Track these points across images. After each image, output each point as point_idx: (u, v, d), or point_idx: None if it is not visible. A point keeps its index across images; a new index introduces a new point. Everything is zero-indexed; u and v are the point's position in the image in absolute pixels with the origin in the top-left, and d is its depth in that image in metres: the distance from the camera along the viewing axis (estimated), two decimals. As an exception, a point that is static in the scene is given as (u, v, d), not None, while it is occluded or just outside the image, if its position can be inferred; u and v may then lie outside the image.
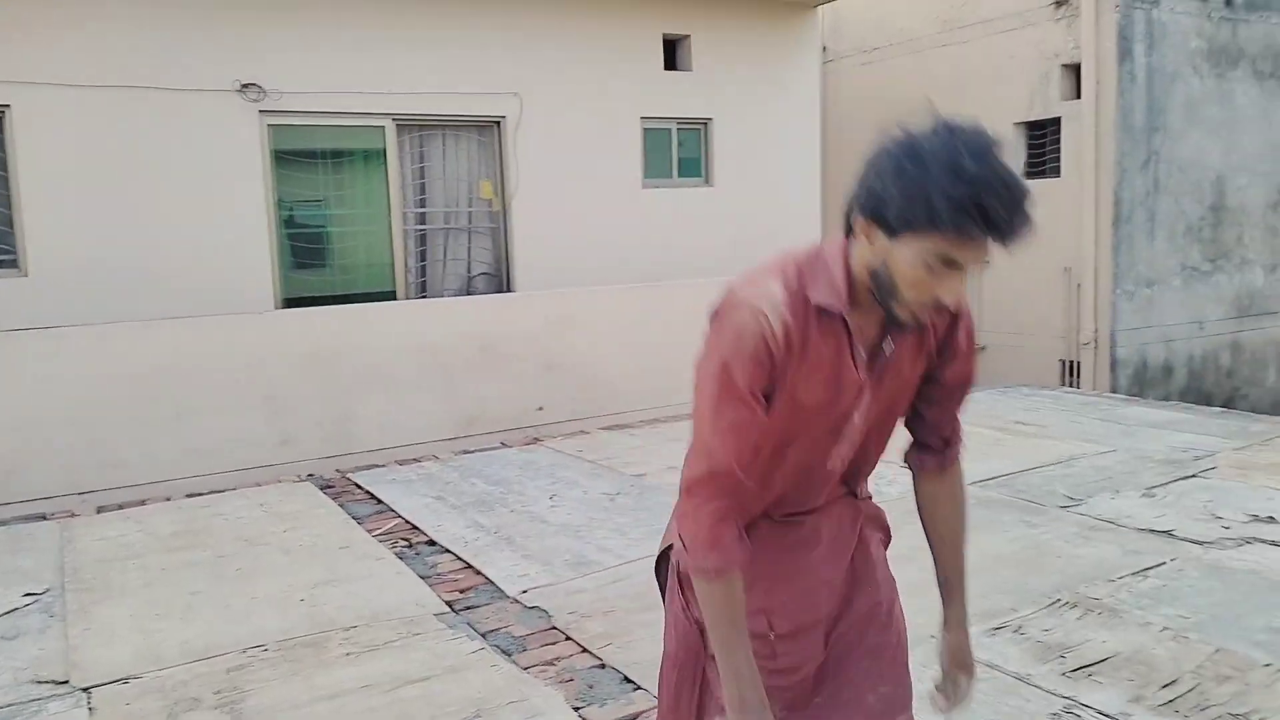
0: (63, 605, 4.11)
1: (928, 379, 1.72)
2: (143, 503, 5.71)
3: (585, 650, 3.58)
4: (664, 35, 8.22)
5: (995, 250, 1.41)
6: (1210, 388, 9.70)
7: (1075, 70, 9.27)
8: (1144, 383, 9.30)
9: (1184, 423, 6.77)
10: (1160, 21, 9.10)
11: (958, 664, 1.87)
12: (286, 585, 4.27)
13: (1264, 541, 4.27)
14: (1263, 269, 9.97)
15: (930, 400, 1.74)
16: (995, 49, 9.94)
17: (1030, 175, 9.86)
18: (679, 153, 8.49)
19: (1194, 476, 5.34)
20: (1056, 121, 9.50)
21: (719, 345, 1.54)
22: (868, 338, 1.59)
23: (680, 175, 8.50)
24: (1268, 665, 3.17)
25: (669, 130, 8.38)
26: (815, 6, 8.79)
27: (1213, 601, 3.71)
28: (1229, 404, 9.47)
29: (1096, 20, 8.99)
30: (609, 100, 7.96)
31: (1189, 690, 3.06)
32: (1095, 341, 9.22)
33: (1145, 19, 9.02)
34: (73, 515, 5.52)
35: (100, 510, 5.60)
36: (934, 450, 1.79)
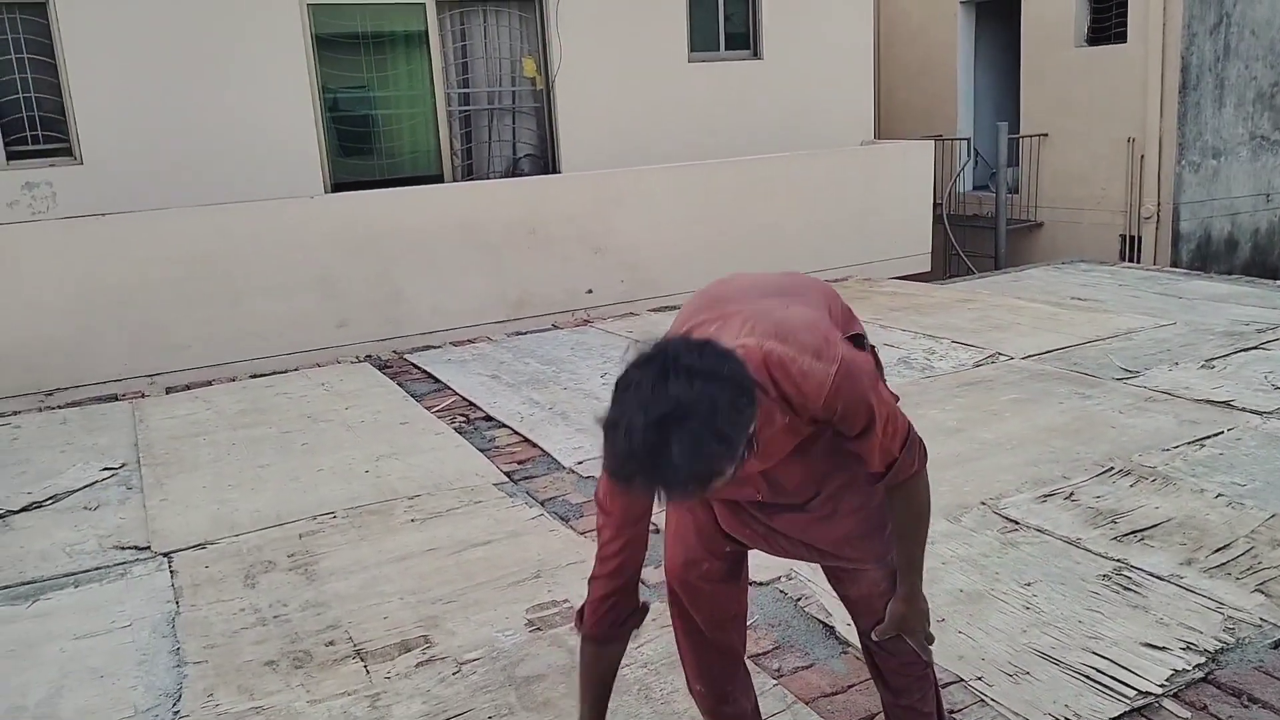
0: (139, 479, 4.30)
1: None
2: (209, 383, 5.89)
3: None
4: (709, -97, 7.89)
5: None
6: (1276, 262, 9.44)
7: (1146, -73, 8.75)
8: (1207, 257, 9.07)
9: (1247, 296, 6.61)
10: None
11: (895, 625, 1.91)
12: (351, 458, 4.41)
13: (1325, 411, 4.21)
14: (1337, 137, 9.54)
15: (847, 441, 1.72)
16: (1061, -94, 9.40)
17: (1095, 41, 9.46)
18: (726, 25, 8.24)
19: (1255, 349, 5.25)
20: (1124, -17, 9.03)
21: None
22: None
23: (727, 49, 8.27)
24: (1323, 528, 3.17)
25: (716, 0, 8.12)
26: None
27: (1269, 469, 3.69)
28: (1295, 279, 9.21)
29: None
30: (654, -29, 7.71)
31: (1242, 554, 3.07)
32: (1158, 215, 8.97)
33: None
34: (143, 395, 5.71)
35: (169, 390, 5.79)
36: (874, 475, 1.78)
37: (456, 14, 7.33)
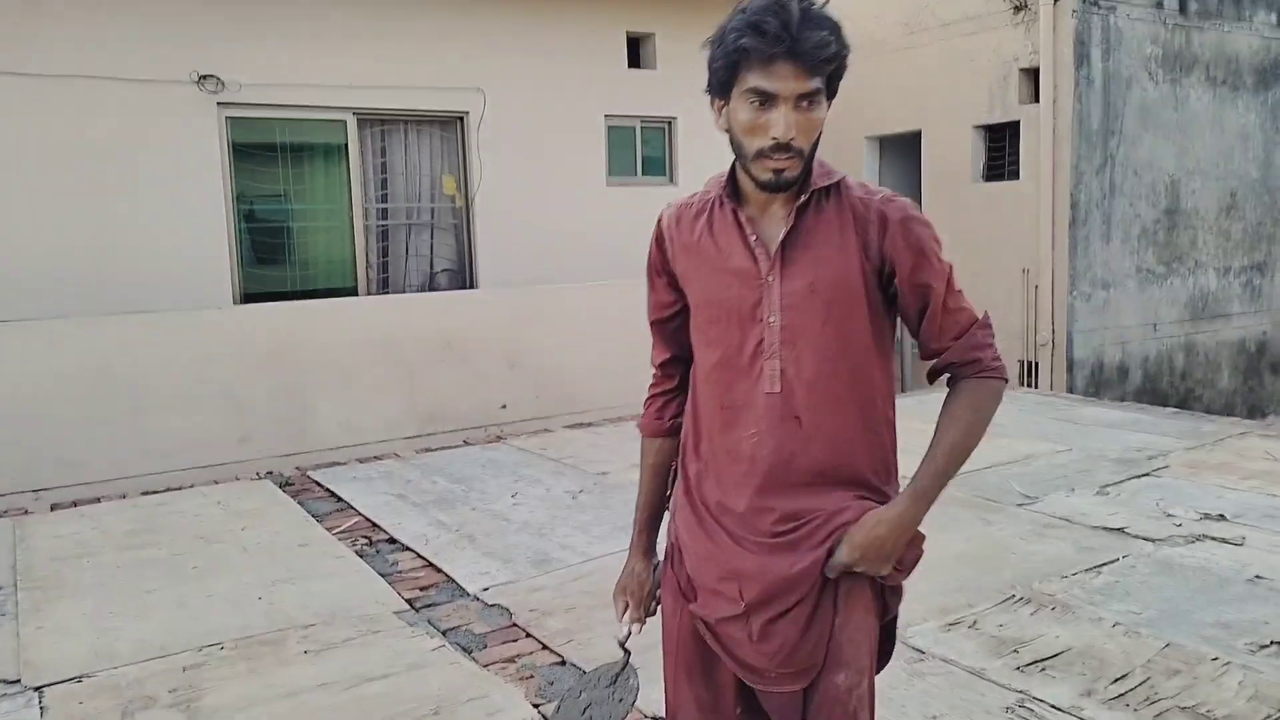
0: (15, 603, 4.03)
1: (894, 290, 1.67)
2: (98, 500, 5.63)
3: (545, 647, 3.58)
4: (628, 33, 8.23)
5: (798, 72, 1.51)
6: (1165, 388, 9.89)
7: (1034, 74, 9.40)
8: (1100, 383, 9.46)
9: (1138, 423, 6.89)
10: (1116, 27, 9.26)
11: (861, 548, 1.65)
12: (244, 583, 4.22)
13: (1213, 539, 4.36)
14: (1215, 272, 10.18)
15: (904, 312, 1.70)
16: (955, 52, 10.06)
17: (990, 178, 10.00)
18: (643, 151, 8.50)
19: (1147, 475, 5.45)
20: (1016, 125, 9.63)
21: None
22: (771, 232, 1.65)
23: (644, 174, 8.51)
24: (1215, 659, 3.24)
25: (633, 128, 8.39)
26: (780, 7, 8.85)
27: (1163, 597, 3.78)
28: (1183, 404, 9.66)
29: (1054, 25, 9.13)
30: (573, 97, 7.95)
31: (1139, 684, 3.12)
32: (1052, 342, 9.37)
33: (1102, 24, 9.17)
34: (26, 513, 5.42)
35: (54, 508, 5.51)
36: (933, 368, 1.74)
37: (378, 130, 7.42)
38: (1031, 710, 2.98)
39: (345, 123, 7.22)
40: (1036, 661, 3.29)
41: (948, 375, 1.75)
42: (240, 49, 6.61)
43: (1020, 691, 3.10)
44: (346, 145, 7.25)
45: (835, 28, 1.54)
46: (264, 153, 7.05)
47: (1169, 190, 9.76)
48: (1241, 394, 10.48)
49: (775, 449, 1.64)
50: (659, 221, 1.79)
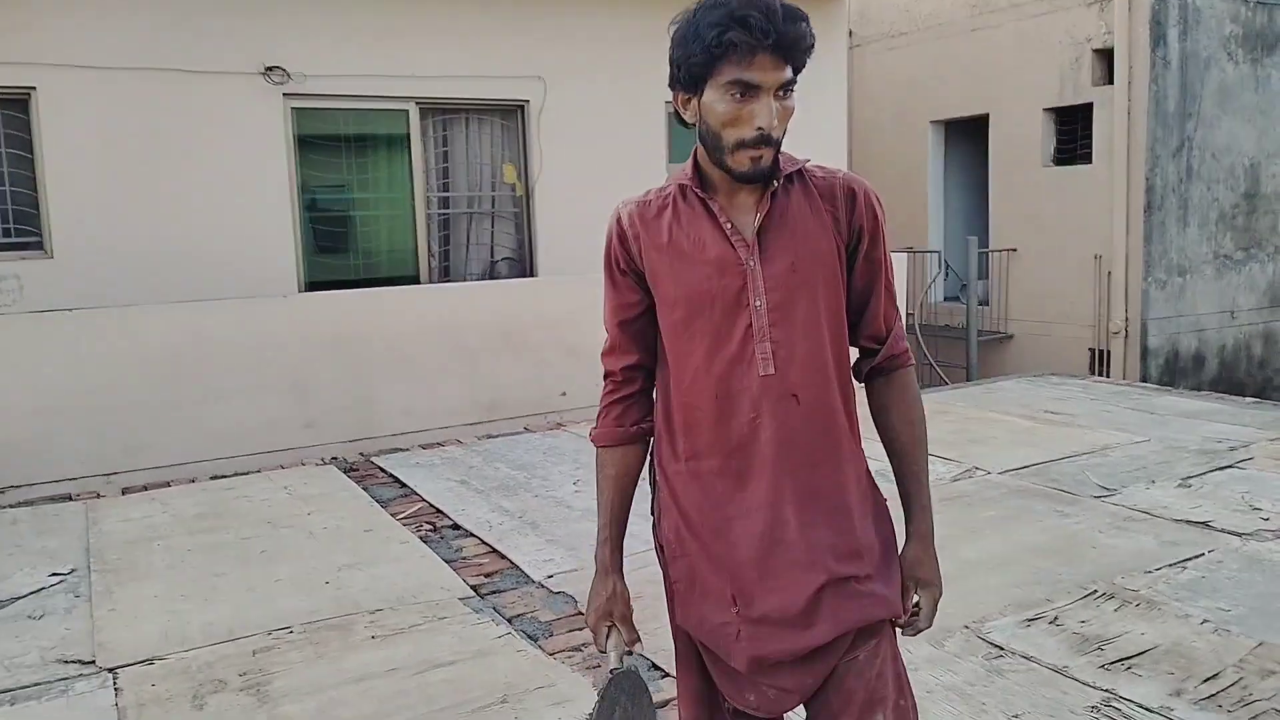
0: (88, 586, 4.10)
1: (849, 268, 1.72)
2: (167, 484, 5.72)
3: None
4: (690, 18, 8.13)
5: (778, 63, 1.52)
6: (1242, 378, 9.55)
7: (1107, 55, 9.12)
8: (1175, 372, 9.17)
9: (1217, 413, 6.65)
10: (1194, 6, 8.94)
11: (914, 579, 1.74)
12: (311, 568, 4.25)
13: (1305, 533, 4.18)
14: (1297, 258, 9.80)
15: (852, 292, 1.73)
16: (1026, 33, 9.80)
17: (1060, 162, 9.73)
18: (705, 137, 8.40)
19: (1230, 467, 5.24)
20: (1088, 107, 9.35)
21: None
22: (743, 218, 1.65)
23: (705, 160, 8.41)
24: (1313, 659, 3.09)
25: (695, 115, 8.29)
26: (844, -11, 8.69)
27: (1253, 594, 3.62)
28: (1261, 394, 9.32)
29: (1130, 5, 8.84)
30: (633, 83, 7.87)
31: (1231, 684, 2.98)
32: (1125, 330, 9.09)
33: (1179, 3, 8.86)
34: (98, 496, 5.53)
35: (125, 491, 5.61)
36: (869, 355, 1.77)
37: (439, 120, 7.43)
38: (1118, 710, 2.87)
39: (408, 112, 7.24)
40: (1121, 659, 3.17)
41: (869, 367, 1.79)
42: (305, 40, 6.67)
43: (1106, 690, 2.98)
44: (409, 135, 7.28)
45: (808, 19, 1.57)
46: (328, 143, 7.10)
47: (1248, 174, 9.42)
48: (1324, 385, 10.09)
49: (778, 428, 1.64)
50: (617, 221, 1.72)
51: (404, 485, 5.56)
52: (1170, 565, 3.92)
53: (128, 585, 4.10)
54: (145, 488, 5.66)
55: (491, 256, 7.82)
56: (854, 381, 1.76)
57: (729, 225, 1.65)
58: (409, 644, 3.50)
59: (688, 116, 1.63)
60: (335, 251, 7.31)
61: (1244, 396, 8.47)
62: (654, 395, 1.82)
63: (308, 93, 6.75)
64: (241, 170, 6.57)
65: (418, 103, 7.24)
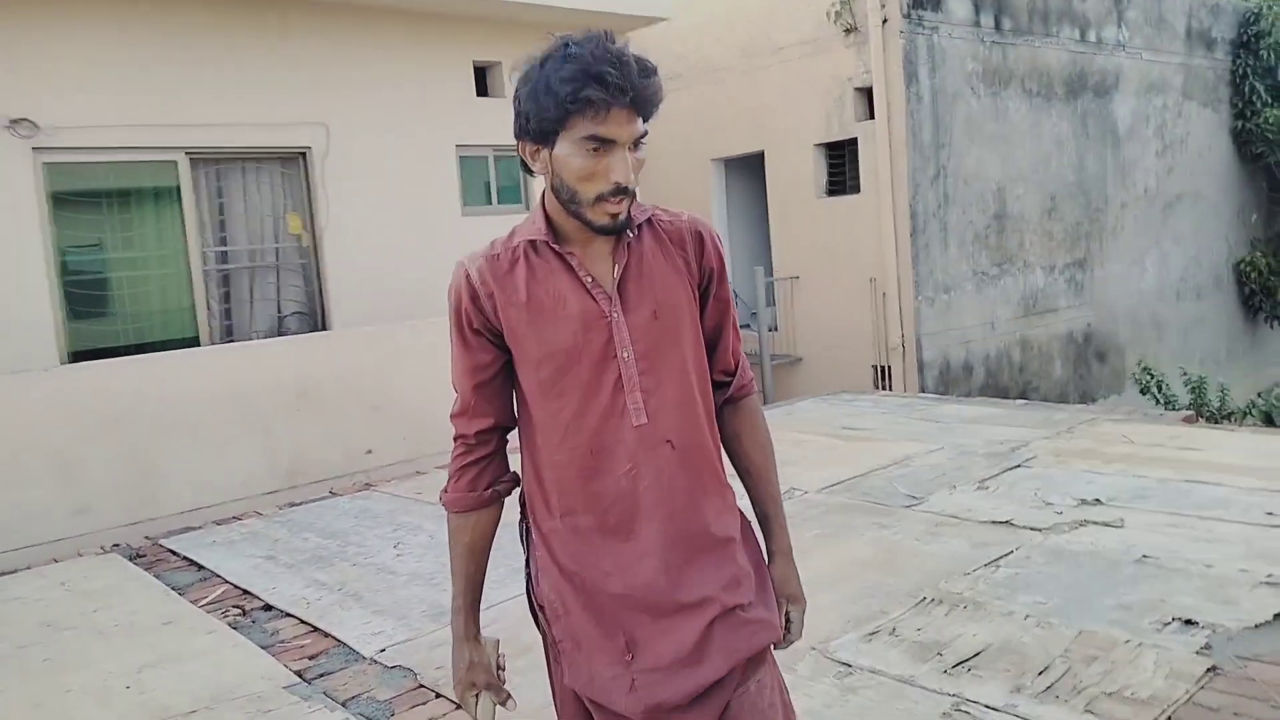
0: None
1: (701, 308, 1.76)
2: (-86, 595, 4.97)
3: (460, 707, 3.33)
4: (474, 62, 8.05)
5: (632, 116, 1.54)
6: (1006, 382, 10.40)
7: (868, 93, 9.76)
8: (948, 382, 9.86)
9: (994, 416, 7.18)
10: (940, 46, 9.74)
11: (786, 595, 1.83)
12: (106, 673, 3.78)
13: (1095, 523, 4.54)
14: (1042, 270, 10.81)
15: (704, 331, 1.77)
16: (793, 75, 10.34)
17: (833, 193, 10.31)
18: (498, 179, 8.33)
19: (1018, 467, 5.65)
20: (854, 141, 9.96)
21: (448, 309, 1.71)
22: (600, 269, 1.65)
23: (501, 202, 8.34)
24: (1127, 641, 3.34)
25: (486, 158, 8.21)
26: (622, 34, 8.88)
27: (1063, 585, 3.89)
28: (1023, 395, 10.19)
29: (884, 46, 9.51)
30: (422, 128, 7.71)
31: (1063, 674, 3.17)
32: (903, 346, 9.70)
33: (927, 44, 9.62)
34: None
35: None
36: (721, 387, 1.82)
37: (213, 170, 6.96)
38: (968, 714, 2.98)
39: (177, 163, 6.73)
40: (961, 662, 3.30)
41: (721, 399, 1.83)
42: (56, 89, 6.07)
43: (953, 695, 3.09)
44: (179, 187, 6.76)
45: (658, 70, 1.59)
46: (88, 199, 6.48)
47: (996, 196, 10.31)
48: (1074, 382, 11.15)
49: (656, 476, 1.66)
50: (465, 278, 1.67)
51: (202, 568, 5.09)
52: (985, 565, 4.16)
53: (-124, 721, 3.50)
54: (-114, 601, 4.89)
55: (279, 311, 7.37)
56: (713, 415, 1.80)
57: (589, 278, 1.64)
58: (233, 745, 3.17)
59: (536, 167, 1.62)
60: (101, 316, 6.65)
61: (1008, 399, 9.22)
62: (509, 456, 1.80)
63: (62, 145, 6.14)
64: (-15, 233, 5.87)
65: (188, 152, 6.75)
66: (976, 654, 3.36)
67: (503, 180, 8.35)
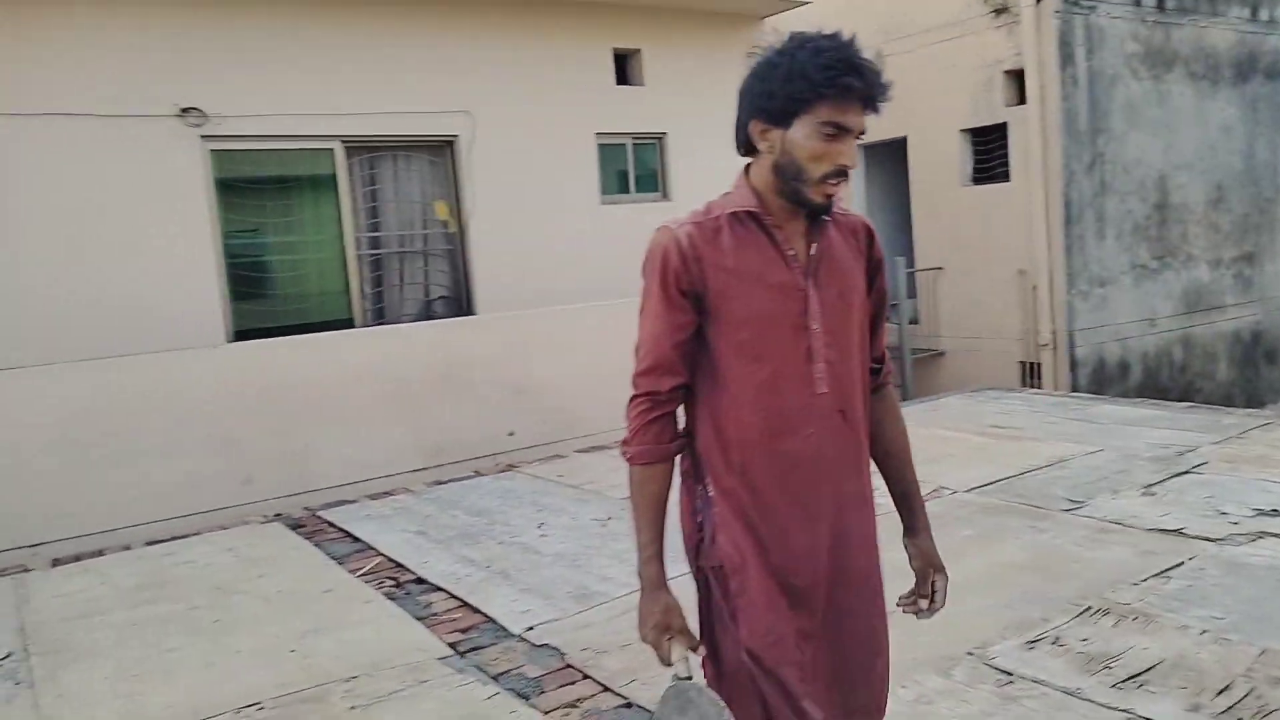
0: (29, 670, 3.76)
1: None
2: (100, 553, 5.33)
3: (607, 689, 3.37)
4: (614, 50, 8.08)
5: (865, 110, 1.68)
6: (1165, 382, 9.86)
7: (1018, 76, 9.38)
8: (1102, 381, 9.41)
9: (1156, 419, 6.81)
10: (1098, 26, 9.27)
11: (931, 564, 1.99)
12: (272, 636, 3.97)
13: (1275, 535, 4.25)
14: (1207, 264, 10.20)
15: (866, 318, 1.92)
16: (938, 57, 10.03)
17: (979, 180, 9.96)
18: (635, 168, 8.35)
19: (1187, 473, 5.33)
20: (1003, 127, 9.59)
21: (645, 271, 1.80)
22: (798, 246, 1.78)
23: (638, 190, 8.36)
24: (1319, 663, 3.11)
25: (624, 145, 8.24)
26: (762, 19, 8.76)
27: (1242, 599, 3.65)
28: (1184, 397, 9.64)
29: (1037, 26, 9.12)
30: (562, 117, 7.78)
31: (1246, 695, 2.97)
32: (1054, 342, 9.30)
33: (1084, 23, 9.17)
34: (26, 570, 5.12)
35: (56, 563, 5.21)
36: (872, 374, 1.94)
37: (366, 158, 7.20)
38: (1142, 730, 2.83)
39: (333, 151, 6.99)
40: (1132, 677, 3.14)
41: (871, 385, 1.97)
42: (222, 80, 6.38)
43: (1124, 711, 2.94)
44: (335, 174, 7.02)
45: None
46: (250, 185, 6.80)
47: (1158, 185, 9.78)
48: (1239, 384, 10.49)
49: (831, 442, 1.80)
50: (676, 242, 1.76)
51: (357, 539, 5.29)
52: (1155, 576, 3.94)
53: (73, 667, 3.77)
54: (77, 558, 5.27)
55: (427, 296, 7.58)
56: None
57: (791, 251, 1.78)
58: (392, 713, 3.28)
59: (763, 146, 1.74)
60: (263, 298, 6.98)
61: (1169, 401, 8.72)
62: (682, 415, 1.89)
63: (227, 134, 6.46)
64: (160, 217, 6.21)
65: (343, 141, 7.00)
66: (1148, 669, 3.18)
67: (639, 169, 8.37)
